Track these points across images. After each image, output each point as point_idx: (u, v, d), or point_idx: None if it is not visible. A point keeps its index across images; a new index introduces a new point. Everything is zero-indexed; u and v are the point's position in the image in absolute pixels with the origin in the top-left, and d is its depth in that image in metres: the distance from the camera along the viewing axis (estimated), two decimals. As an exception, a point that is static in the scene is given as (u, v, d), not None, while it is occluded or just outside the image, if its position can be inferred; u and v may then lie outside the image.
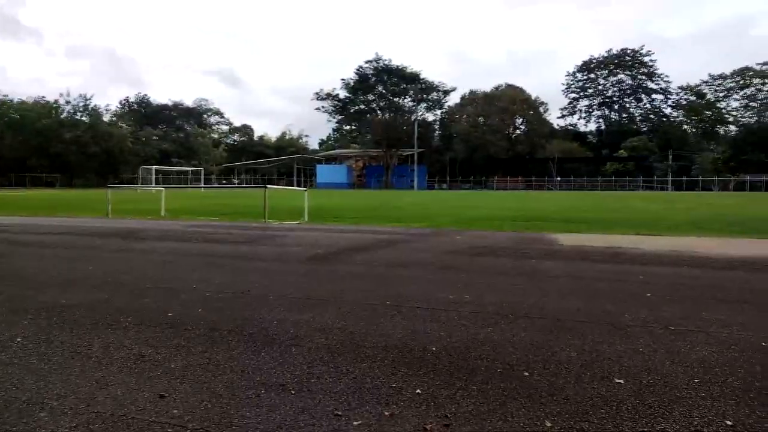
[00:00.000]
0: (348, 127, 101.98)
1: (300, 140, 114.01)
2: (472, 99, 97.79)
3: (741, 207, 23.39)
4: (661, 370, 3.21)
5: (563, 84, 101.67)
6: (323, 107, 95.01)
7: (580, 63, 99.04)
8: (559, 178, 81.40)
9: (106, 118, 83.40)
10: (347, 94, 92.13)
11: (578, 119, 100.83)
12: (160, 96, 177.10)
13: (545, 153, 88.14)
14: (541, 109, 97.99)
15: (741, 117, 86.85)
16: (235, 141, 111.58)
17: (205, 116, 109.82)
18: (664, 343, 3.73)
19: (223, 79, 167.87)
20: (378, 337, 3.84)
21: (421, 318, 4.39)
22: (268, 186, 16.57)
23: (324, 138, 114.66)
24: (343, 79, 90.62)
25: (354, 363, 3.32)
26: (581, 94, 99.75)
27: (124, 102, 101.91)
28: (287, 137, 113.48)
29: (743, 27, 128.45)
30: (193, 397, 2.81)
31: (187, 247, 9.01)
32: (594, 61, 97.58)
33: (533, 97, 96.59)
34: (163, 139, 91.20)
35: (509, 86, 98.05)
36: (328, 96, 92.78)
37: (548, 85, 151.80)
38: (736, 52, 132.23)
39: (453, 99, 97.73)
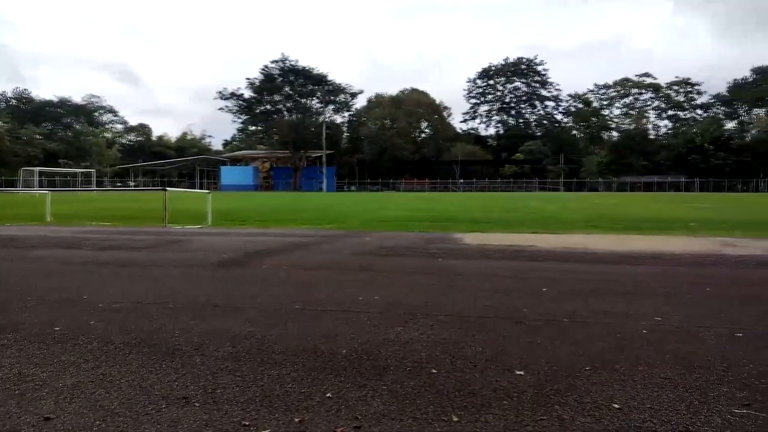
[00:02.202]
0: (254, 128, 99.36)
1: (203, 141, 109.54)
2: (379, 102, 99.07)
3: (622, 206, 25.59)
4: (558, 360, 3.42)
5: (465, 90, 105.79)
6: (227, 107, 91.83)
7: (480, 70, 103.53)
8: (462, 180, 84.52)
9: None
10: (253, 94, 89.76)
11: (479, 123, 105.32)
12: (44, 92, 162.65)
13: (449, 156, 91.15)
14: (445, 114, 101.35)
15: (622, 123, 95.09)
16: (131, 141, 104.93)
17: (96, 114, 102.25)
18: (561, 335, 3.98)
19: (118, 76, 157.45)
20: (288, 342, 3.77)
21: (332, 320, 4.36)
22: (168, 188, 15.74)
23: (228, 139, 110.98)
24: (248, 79, 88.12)
25: (263, 370, 3.23)
26: (481, 99, 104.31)
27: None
28: (189, 137, 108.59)
29: (623, 41, 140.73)
30: (84, 417, 2.60)
31: (76, 255, 8.33)
32: (493, 68, 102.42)
33: (437, 102, 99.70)
34: (49, 139, 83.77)
35: (414, 90, 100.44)
36: (233, 95, 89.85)
37: (451, 91, 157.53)
38: (617, 63, 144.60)
39: (361, 101, 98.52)
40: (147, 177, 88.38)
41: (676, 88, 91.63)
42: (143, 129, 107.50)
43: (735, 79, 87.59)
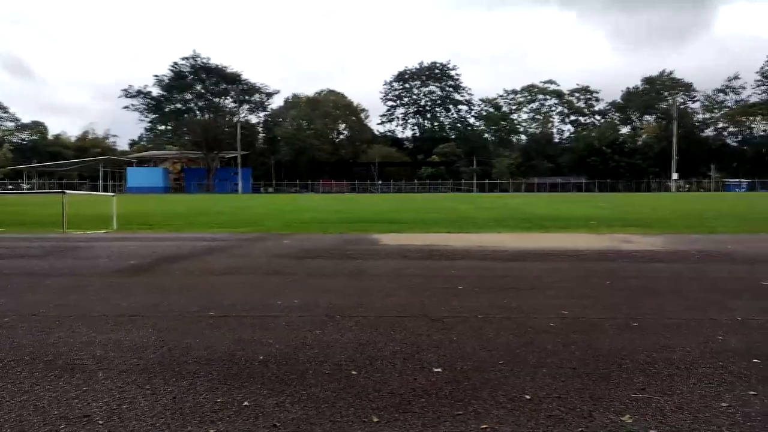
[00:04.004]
0: (163, 127, 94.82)
1: (106, 140, 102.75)
2: (295, 102, 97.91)
3: (530, 206, 26.95)
4: (472, 356, 3.52)
5: (381, 92, 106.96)
6: (133, 105, 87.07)
7: (396, 73, 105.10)
8: (380, 182, 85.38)
9: None
10: (161, 92, 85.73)
11: (396, 126, 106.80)
12: None
13: (367, 157, 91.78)
14: (363, 116, 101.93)
15: (529, 128, 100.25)
16: (23, 140, 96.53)
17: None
18: (475, 331, 4.11)
19: (8, 69, 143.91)
20: (201, 351, 3.62)
21: (248, 326, 4.24)
22: (68, 191, 14.62)
23: (135, 139, 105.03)
24: (156, 76, 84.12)
25: (174, 381, 3.07)
26: (398, 102, 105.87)
27: None
28: (90, 137, 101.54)
29: (529, 49, 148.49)
30: (-32, 445, 2.34)
31: (-42, 265, 7.53)
32: (408, 72, 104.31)
33: (355, 104, 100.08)
34: (-77, 136, 75.26)
35: (332, 92, 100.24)
36: (139, 93, 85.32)
37: (368, 93, 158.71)
38: (524, 71, 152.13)
39: (277, 102, 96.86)
40: (43, 179, 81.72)
41: (577, 94, 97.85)
42: (38, 127, 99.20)
43: (628, 88, 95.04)
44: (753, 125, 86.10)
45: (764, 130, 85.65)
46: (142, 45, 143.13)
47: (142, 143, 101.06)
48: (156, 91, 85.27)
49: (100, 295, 5.46)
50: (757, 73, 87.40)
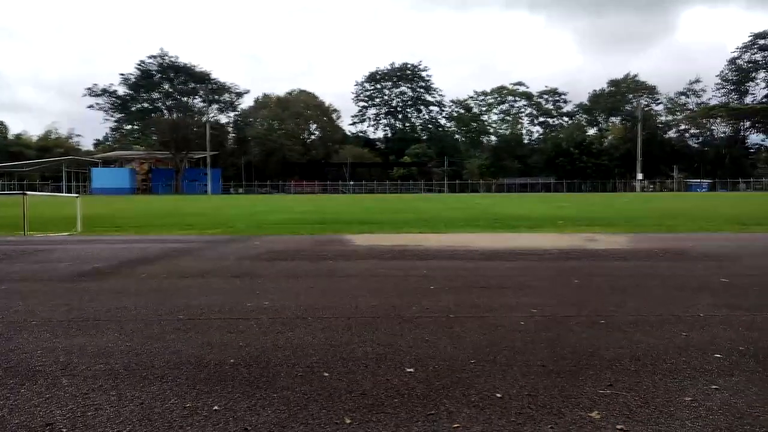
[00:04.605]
0: (129, 127, 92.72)
1: (70, 140, 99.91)
2: (266, 102, 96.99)
3: (500, 206, 27.29)
4: (444, 356, 3.55)
5: (353, 93, 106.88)
6: (98, 104, 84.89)
7: (367, 74, 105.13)
8: (352, 182, 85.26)
9: None
10: (128, 91, 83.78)
11: (368, 126, 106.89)
12: None
13: (339, 158, 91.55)
14: (334, 116, 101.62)
15: (499, 129, 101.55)
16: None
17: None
18: (447, 331, 4.13)
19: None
20: (169, 356, 3.54)
21: (218, 329, 4.18)
22: (29, 192, 14.17)
23: (100, 138, 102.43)
24: (122, 74, 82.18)
25: (141, 387, 3.00)
26: (369, 103, 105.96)
27: None
28: (53, 136, 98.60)
29: (498, 52, 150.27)
30: None
31: None
32: (380, 73, 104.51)
33: (326, 104, 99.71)
34: None
35: (303, 92, 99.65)
36: (105, 92, 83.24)
37: (340, 94, 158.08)
38: (495, 72, 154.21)
39: (247, 101, 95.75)
40: (3, 180, 78.98)
41: (545, 96, 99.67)
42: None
43: (594, 90, 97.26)
44: (713, 127, 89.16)
45: (724, 132, 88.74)
46: (108, 43, 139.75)
47: (107, 143, 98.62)
48: (122, 90, 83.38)
49: (63, 300, 5.31)
50: (717, 76, 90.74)
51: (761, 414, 2.64)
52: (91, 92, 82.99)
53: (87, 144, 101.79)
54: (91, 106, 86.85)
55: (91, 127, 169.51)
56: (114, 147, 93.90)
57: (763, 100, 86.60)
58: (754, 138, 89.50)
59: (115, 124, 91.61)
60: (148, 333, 4.08)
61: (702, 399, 2.82)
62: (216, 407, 2.73)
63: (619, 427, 2.51)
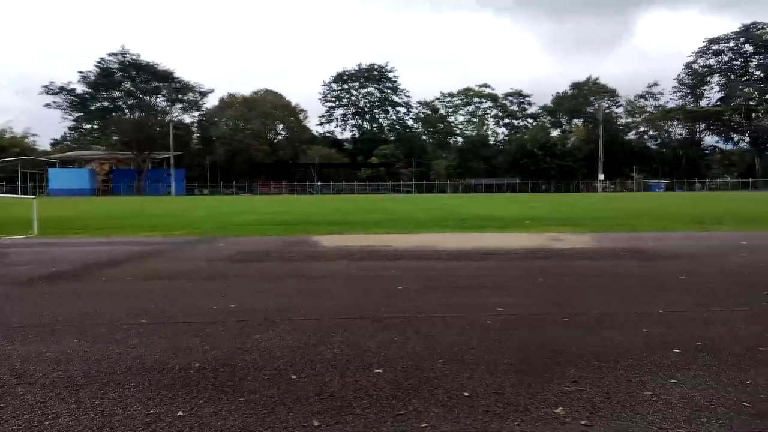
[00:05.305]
0: (89, 126, 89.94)
1: (25, 140, 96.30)
2: (231, 102, 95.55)
3: (467, 207, 27.56)
4: (413, 355, 3.56)
5: (320, 93, 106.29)
6: (56, 103, 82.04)
7: (334, 74, 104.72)
8: (320, 183, 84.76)
9: None
10: (87, 89, 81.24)
11: (335, 127, 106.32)
12: None
13: (306, 158, 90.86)
14: (301, 116, 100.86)
15: (465, 130, 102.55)
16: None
17: None
18: (415, 331, 4.15)
19: None
20: (132, 361, 3.45)
21: (183, 333, 4.09)
22: (-19, 194, 13.59)
23: (58, 138, 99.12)
24: (80, 72, 79.57)
25: (102, 394, 2.91)
26: (337, 103, 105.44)
27: None
28: (8, 136, 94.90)
29: (464, 54, 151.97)
30: None
31: None
32: (347, 73, 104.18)
33: (293, 104, 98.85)
34: None
35: (269, 91, 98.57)
36: (62, 90, 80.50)
37: (307, 94, 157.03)
38: (462, 74, 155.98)
39: (212, 101, 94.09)
40: (-48, 181, 75.55)
41: (510, 98, 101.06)
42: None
43: (558, 92, 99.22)
44: (670, 129, 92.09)
45: (680, 134, 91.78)
46: (66, 40, 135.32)
47: (65, 143, 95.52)
48: (81, 89, 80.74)
49: (19, 305, 5.11)
50: (674, 80, 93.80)
51: (717, 406, 2.74)
52: (49, 90, 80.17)
53: (44, 144, 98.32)
54: (48, 105, 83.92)
55: (48, 127, 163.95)
56: (72, 147, 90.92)
57: (717, 104, 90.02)
58: (709, 140, 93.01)
59: (74, 123, 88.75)
60: (109, 338, 3.97)
61: (661, 393, 2.91)
62: (180, 413, 2.68)
63: (582, 422, 2.56)
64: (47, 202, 29.48)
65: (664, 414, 2.65)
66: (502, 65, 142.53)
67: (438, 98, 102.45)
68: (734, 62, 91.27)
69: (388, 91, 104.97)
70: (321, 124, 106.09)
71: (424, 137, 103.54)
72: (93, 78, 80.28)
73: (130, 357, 3.54)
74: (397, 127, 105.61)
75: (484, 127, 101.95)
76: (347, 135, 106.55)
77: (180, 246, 10.20)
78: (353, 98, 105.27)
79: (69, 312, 4.80)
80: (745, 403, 2.77)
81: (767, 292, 5.48)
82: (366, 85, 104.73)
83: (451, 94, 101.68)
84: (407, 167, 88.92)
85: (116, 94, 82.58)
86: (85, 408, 2.74)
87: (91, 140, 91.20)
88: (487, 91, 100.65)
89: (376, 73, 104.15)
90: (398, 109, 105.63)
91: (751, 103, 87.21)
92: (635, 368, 3.30)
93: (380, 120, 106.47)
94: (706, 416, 2.63)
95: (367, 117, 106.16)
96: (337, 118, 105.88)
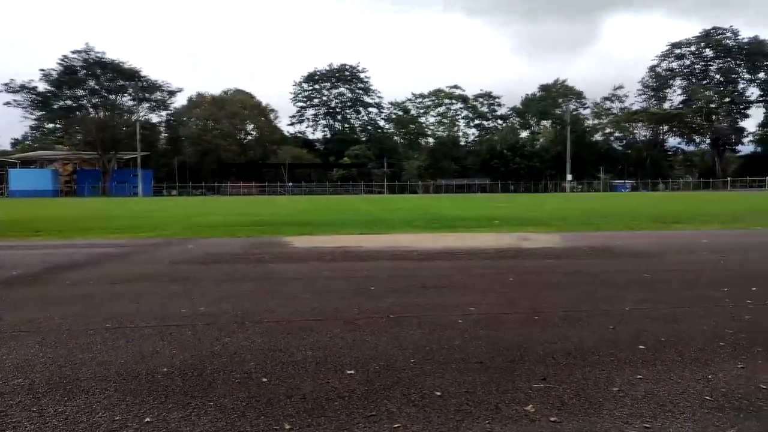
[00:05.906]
0: (52, 126, 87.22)
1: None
2: (200, 101, 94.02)
3: (438, 207, 27.74)
4: (385, 356, 3.56)
5: (291, 93, 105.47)
6: (16, 101, 79.25)
7: (305, 74, 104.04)
8: (291, 184, 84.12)
9: None
10: (49, 87, 78.74)
11: (306, 127, 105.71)
12: None
13: (277, 159, 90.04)
14: (272, 116, 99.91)
15: (436, 131, 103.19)
16: None
17: None
18: (387, 331, 4.15)
19: None
20: (96, 367, 3.36)
21: (150, 338, 4.00)
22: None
23: (19, 137, 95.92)
24: (42, 70, 76.98)
25: (65, 401, 2.83)
26: (308, 103, 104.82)
27: None
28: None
29: (434, 55, 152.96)
30: None
31: None
32: (318, 73, 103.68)
33: (264, 104, 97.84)
34: None
35: (239, 91, 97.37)
36: (23, 88, 77.80)
37: (278, 94, 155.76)
38: (433, 75, 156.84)
39: (180, 100, 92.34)
40: None
41: (481, 99, 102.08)
42: None
43: (527, 94, 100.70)
44: (635, 131, 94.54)
45: (645, 136, 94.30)
46: (27, 37, 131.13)
47: (27, 143, 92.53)
48: (43, 87, 78.17)
49: (-24, 311, 4.92)
50: (639, 83, 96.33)
51: (681, 401, 2.82)
52: (9, 88, 77.38)
53: (4, 143, 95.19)
54: (8, 103, 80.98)
55: (8, 126, 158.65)
56: (34, 147, 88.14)
57: (679, 106, 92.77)
58: (672, 141, 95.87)
59: (36, 122, 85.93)
60: (72, 344, 3.86)
61: (627, 389, 2.98)
62: (148, 419, 2.62)
63: (552, 419, 2.60)
64: (6, 203, 28.51)
65: (631, 409, 2.72)
66: (472, 67, 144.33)
67: (409, 99, 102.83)
68: (695, 66, 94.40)
69: (360, 91, 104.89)
70: (292, 124, 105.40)
71: (395, 138, 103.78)
72: (56, 76, 77.85)
73: (95, 362, 3.45)
74: (368, 127, 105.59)
75: (455, 128, 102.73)
76: (318, 135, 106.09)
77: (147, 248, 9.98)
78: (324, 98, 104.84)
79: (30, 317, 4.65)
80: (707, 397, 2.86)
81: (727, 288, 5.66)
82: (337, 85, 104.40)
83: (422, 95, 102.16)
84: (379, 168, 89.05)
85: (80, 92, 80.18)
86: (48, 416, 2.65)
87: (53, 140, 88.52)
88: (458, 92, 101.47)
89: (348, 73, 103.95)
90: (370, 109, 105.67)
91: (711, 105, 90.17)
92: (602, 365, 3.37)
93: (352, 120, 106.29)
94: (670, 411, 2.70)
95: (339, 117, 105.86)
96: (308, 119, 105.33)
